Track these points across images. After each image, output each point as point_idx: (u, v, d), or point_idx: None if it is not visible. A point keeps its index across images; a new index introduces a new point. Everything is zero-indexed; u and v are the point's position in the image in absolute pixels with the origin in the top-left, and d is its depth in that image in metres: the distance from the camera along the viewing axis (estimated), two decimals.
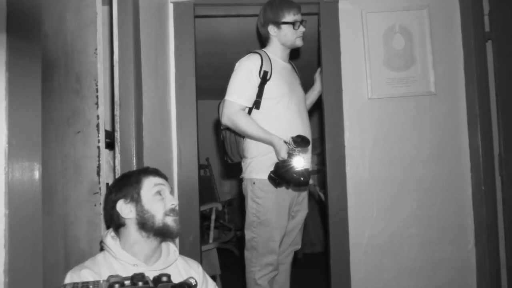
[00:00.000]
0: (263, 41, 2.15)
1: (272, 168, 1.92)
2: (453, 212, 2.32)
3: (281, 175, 1.87)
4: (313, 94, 2.40)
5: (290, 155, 1.87)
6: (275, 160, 1.95)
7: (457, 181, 2.33)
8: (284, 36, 2.06)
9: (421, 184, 2.33)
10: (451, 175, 2.33)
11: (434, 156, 2.33)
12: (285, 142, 1.90)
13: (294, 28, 2.05)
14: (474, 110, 2.28)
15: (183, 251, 2.25)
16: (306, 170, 1.87)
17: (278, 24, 2.04)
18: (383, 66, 2.36)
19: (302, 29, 2.07)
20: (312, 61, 3.36)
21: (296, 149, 1.86)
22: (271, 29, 2.06)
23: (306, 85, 2.30)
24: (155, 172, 1.37)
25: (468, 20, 2.30)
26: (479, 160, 2.26)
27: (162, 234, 1.30)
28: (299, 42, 2.09)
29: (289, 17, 2.04)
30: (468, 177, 2.33)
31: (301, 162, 1.85)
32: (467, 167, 2.33)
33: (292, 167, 1.85)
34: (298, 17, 2.06)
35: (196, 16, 2.43)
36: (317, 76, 2.41)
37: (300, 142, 1.86)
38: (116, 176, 1.63)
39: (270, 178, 1.93)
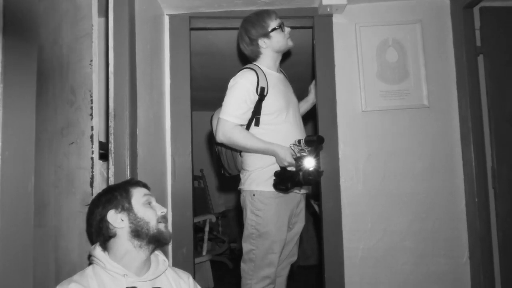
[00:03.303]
0: (252, 57, 2.14)
1: (272, 179, 1.91)
2: (447, 225, 2.33)
3: (290, 178, 1.85)
4: (307, 105, 2.41)
5: (298, 158, 1.87)
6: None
7: (451, 194, 2.34)
8: (277, 42, 2.06)
9: (415, 196, 2.33)
10: (445, 188, 2.34)
11: (428, 168, 2.35)
12: (293, 145, 1.90)
13: (282, 31, 2.07)
14: (467, 123, 2.30)
15: (176, 263, 2.23)
16: (316, 169, 1.86)
17: (267, 34, 2.05)
18: (376, 79, 2.38)
19: (288, 29, 2.10)
20: (307, 73, 3.39)
21: (307, 149, 1.85)
22: (262, 43, 2.06)
23: (300, 98, 2.31)
24: (141, 183, 1.39)
25: (460, 35, 2.34)
26: (472, 173, 2.27)
27: (157, 240, 1.31)
28: (290, 43, 2.11)
29: (273, 23, 2.05)
30: (462, 190, 2.34)
31: (311, 162, 1.84)
32: (460, 179, 2.35)
33: (302, 168, 1.84)
34: (279, 20, 2.08)
35: (191, 29, 2.45)
36: (312, 88, 2.43)
37: (315, 141, 1.84)
38: None
39: (276, 187, 1.91)
